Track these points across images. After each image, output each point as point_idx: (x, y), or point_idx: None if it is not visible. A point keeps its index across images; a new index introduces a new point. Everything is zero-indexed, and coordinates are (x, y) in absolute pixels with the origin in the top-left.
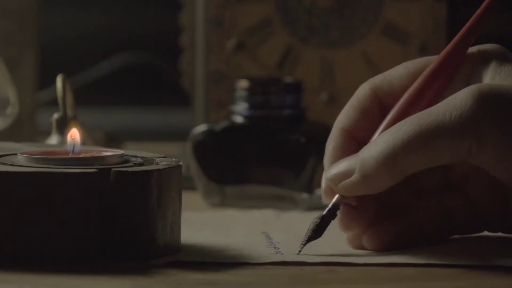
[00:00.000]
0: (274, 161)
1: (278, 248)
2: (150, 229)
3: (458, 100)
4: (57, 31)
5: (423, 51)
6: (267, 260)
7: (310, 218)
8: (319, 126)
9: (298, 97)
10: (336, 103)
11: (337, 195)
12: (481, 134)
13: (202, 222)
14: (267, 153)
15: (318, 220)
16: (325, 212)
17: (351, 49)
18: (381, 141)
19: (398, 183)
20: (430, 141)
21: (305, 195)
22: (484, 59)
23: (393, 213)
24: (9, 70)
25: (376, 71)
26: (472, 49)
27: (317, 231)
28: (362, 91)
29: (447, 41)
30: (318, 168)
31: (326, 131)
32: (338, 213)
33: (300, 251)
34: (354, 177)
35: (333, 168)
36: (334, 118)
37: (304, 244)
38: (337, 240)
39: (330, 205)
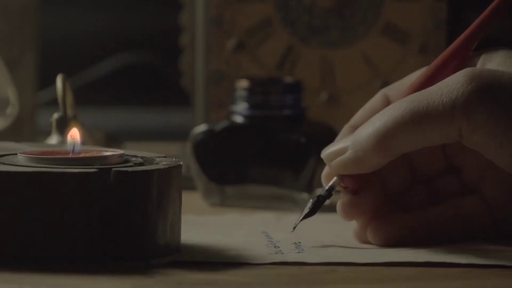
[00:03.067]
0: (274, 161)
1: (278, 247)
2: (150, 229)
3: (450, 80)
4: (57, 31)
5: (423, 51)
6: (268, 261)
7: (310, 219)
8: (319, 126)
9: (298, 97)
10: (336, 103)
11: (335, 178)
12: (472, 112)
13: (202, 222)
14: (267, 153)
15: (314, 200)
16: (322, 192)
17: (351, 49)
18: (374, 119)
19: (414, 182)
20: (420, 119)
21: (305, 195)
22: (486, 57)
23: (404, 210)
24: (9, 70)
25: (376, 71)
26: (478, 52)
27: (312, 210)
28: (376, 95)
29: (447, 41)
30: (318, 168)
31: (326, 131)
32: (334, 193)
33: (294, 228)
34: (347, 154)
35: (329, 147)
36: (334, 118)
37: (299, 221)
38: (338, 238)
39: (327, 186)
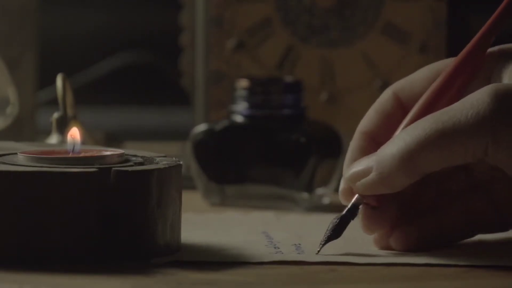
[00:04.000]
0: (274, 161)
1: (278, 248)
2: (150, 229)
3: (474, 99)
4: (57, 31)
5: (423, 51)
6: (267, 260)
7: (310, 219)
8: (319, 125)
9: (298, 97)
10: (336, 103)
11: (356, 195)
12: (497, 133)
13: (202, 222)
14: (267, 153)
15: (337, 220)
16: (344, 212)
17: (351, 49)
18: (398, 139)
19: (424, 185)
20: (446, 140)
21: (305, 195)
22: (505, 57)
23: (419, 215)
24: (9, 70)
25: (376, 71)
26: (493, 49)
27: (336, 231)
28: (385, 95)
29: (447, 41)
30: (318, 167)
31: (326, 130)
32: (358, 213)
33: (319, 251)
34: (372, 175)
35: (352, 167)
36: (334, 118)
37: (324, 244)
38: (338, 239)
39: (349, 205)
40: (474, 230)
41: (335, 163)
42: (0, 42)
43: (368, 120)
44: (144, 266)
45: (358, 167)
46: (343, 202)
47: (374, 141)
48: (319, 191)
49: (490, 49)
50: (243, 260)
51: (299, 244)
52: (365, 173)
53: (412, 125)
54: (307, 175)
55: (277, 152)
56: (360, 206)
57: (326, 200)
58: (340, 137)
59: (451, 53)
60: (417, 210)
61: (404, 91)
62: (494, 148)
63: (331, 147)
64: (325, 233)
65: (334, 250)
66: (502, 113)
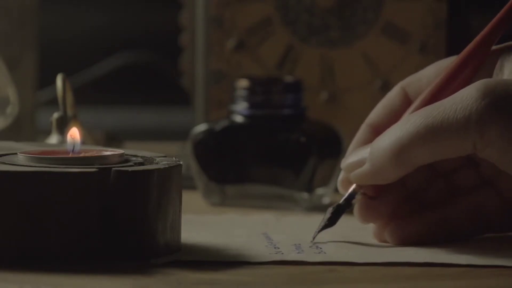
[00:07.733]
0: (274, 161)
1: (278, 248)
2: (150, 229)
3: (464, 95)
4: (57, 31)
5: (423, 51)
6: (267, 260)
7: (310, 221)
8: (319, 125)
9: (298, 97)
10: (336, 102)
11: (354, 185)
12: (485, 128)
13: (202, 222)
14: (267, 153)
15: (333, 209)
16: (341, 201)
17: (351, 49)
18: (390, 133)
19: (430, 179)
20: (435, 135)
21: (305, 195)
22: (507, 52)
23: (423, 208)
24: (9, 69)
25: (376, 71)
26: (499, 45)
27: (331, 220)
28: (394, 90)
29: (447, 41)
30: (318, 167)
31: (326, 130)
32: (354, 202)
33: (314, 239)
34: (365, 166)
35: (349, 157)
36: (334, 117)
37: (318, 232)
38: (338, 238)
39: (346, 195)
40: (482, 227)
41: (335, 163)
42: (0, 42)
43: (375, 113)
44: (144, 266)
45: (354, 158)
46: (341, 191)
47: (379, 134)
48: (319, 191)
49: (494, 46)
50: (243, 260)
51: (299, 244)
52: (359, 163)
53: (405, 119)
54: (307, 175)
55: (277, 152)
56: (357, 196)
57: (326, 200)
58: (340, 137)
59: (451, 53)
60: (422, 204)
61: (412, 87)
62: (483, 143)
63: (331, 147)
64: (321, 221)
65: (335, 249)
66: (489, 109)
